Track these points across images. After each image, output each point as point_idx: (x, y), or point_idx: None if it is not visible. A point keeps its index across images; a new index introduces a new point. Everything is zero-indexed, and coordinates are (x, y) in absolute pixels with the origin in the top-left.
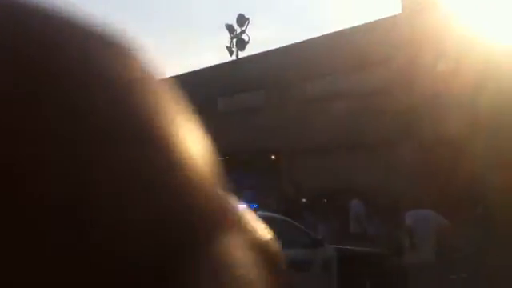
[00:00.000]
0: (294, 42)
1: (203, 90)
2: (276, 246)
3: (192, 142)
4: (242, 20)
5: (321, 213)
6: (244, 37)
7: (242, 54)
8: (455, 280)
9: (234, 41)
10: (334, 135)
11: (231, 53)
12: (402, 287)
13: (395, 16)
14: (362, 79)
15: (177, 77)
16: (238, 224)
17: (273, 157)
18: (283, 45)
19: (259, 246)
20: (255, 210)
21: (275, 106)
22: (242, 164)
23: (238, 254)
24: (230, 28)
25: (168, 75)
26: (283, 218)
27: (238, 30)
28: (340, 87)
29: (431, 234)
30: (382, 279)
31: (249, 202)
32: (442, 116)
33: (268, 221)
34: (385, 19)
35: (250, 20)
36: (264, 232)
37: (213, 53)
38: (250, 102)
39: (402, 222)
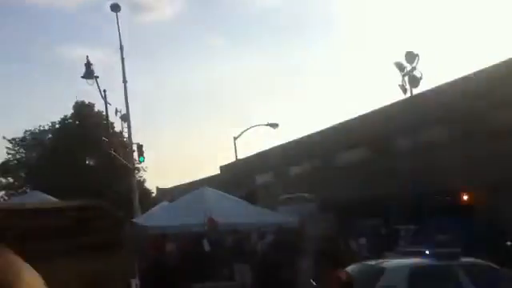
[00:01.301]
0: (473, 71)
1: (381, 129)
2: None
3: None
4: (410, 57)
5: None
6: (416, 73)
7: (415, 91)
8: None
9: (406, 78)
10: None
11: (404, 91)
12: None
13: None
14: None
15: (351, 120)
16: None
17: (465, 197)
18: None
19: None
20: (458, 256)
21: (459, 141)
22: (429, 206)
23: None
24: (399, 66)
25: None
26: (495, 266)
27: (409, 67)
28: None
29: None
30: None
31: (446, 247)
32: None
33: (476, 269)
34: None
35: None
36: None
37: (384, 91)
38: (431, 139)
39: None
